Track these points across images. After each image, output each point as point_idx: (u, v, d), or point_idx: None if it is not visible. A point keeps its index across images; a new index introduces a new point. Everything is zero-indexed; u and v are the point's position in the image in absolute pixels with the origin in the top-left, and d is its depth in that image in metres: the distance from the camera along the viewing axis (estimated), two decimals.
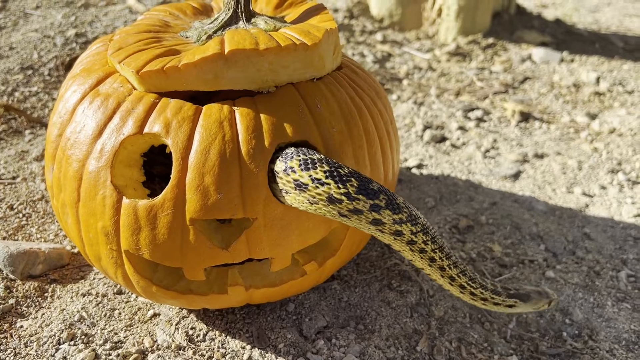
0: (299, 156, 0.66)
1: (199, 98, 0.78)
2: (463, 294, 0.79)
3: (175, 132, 0.68)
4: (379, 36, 2.07)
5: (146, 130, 0.69)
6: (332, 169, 0.64)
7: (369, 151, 0.78)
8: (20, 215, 1.07)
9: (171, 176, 0.67)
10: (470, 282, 0.78)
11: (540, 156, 1.41)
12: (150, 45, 0.75)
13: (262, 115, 0.69)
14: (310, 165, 0.65)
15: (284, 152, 0.68)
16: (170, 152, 0.68)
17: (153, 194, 0.72)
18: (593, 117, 1.64)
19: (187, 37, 0.80)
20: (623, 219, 1.20)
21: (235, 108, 0.69)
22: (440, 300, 0.94)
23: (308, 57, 0.72)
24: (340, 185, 0.63)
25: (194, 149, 0.67)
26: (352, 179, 0.64)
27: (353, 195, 0.63)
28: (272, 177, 0.68)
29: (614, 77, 1.92)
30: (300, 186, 0.65)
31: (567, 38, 2.26)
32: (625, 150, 1.46)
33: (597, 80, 1.87)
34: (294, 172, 0.65)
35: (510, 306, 0.81)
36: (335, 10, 2.18)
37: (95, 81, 0.76)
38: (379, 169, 0.80)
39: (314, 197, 0.65)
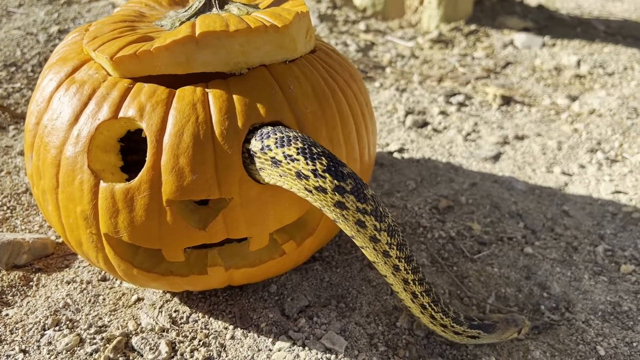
0: (275, 134, 0.67)
1: (174, 84, 0.79)
2: (423, 314, 0.78)
3: (149, 115, 0.69)
4: (362, 25, 2.09)
5: (121, 114, 0.70)
6: (305, 147, 0.66)
7: (344, 131, 0.79)
8: (5, 208, 1.08)
9: (146, 159, 0.69)
10: (432, 304, 0.77)
11: (520, 138, 1.43)
12: (125, 34, 0.76)
13: (235, 97, 0.70)
14: (285, 143, 0.66)
15: (261, 131, 0.69)
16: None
17: (131, 179, 0.74)
18: (574, 99, 1.66)
19: (161, 26, 0.81)
20: (601, 196, 1.22)
21: (208, 90, 0.71)
22: None
23: (279, 39, 0.74)
24: (309, 162, 0.65)
25: (168, 131, 0.69)
26: (323, 157, 0.66)
27: (320, 173, 0.65)
28: (248, 157, 0.70)
29: (595, 59, 1.94)
30: (275, 163, 0.66)
31: (549, 23, 2.28)
32: (604, 130, 1.48)
33: (578, 63, 1.89)
34: (270, 149, 0.67)
35: (473, 337, 0.80)
36: (319, 1, 2.19)
37: (71, 69, 0.77)
38: (354, 149, 0.82)
39: (285, 172, 0.66)
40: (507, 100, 1.61)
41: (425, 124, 1.45)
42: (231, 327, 0.84)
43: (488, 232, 1.08)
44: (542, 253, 1.04)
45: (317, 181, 0.65)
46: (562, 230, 1.10)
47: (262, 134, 0.68)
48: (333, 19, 2.08)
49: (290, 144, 0.66)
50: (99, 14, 1.99)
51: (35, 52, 1.69)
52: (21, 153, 1.25)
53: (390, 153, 1.32)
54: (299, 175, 0.65)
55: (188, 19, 0.78)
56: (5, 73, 1.56)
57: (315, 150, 0.66)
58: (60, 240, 1.01)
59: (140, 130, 0.78)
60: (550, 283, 0.97)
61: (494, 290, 0.95)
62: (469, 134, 1.43)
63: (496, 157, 1.33)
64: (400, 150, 1.33)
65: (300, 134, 0.68)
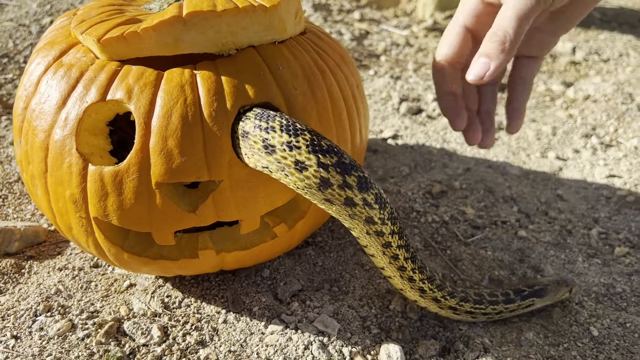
0: (276, 120, 0.65)
1: (163, 66, 0.78)
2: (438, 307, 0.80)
3: (137, 97, 0.69)
4: (356, 14, 2.08)
5: (109, 97, 0.70)
6: (289, 124, 0.64)
7: (334, 113, 0.79)
8: None
9: (135, 141, 0.68)
10: (435, 289, 0.78)
11: None
12: (113, 17, 0.76)
13: (223, 78, 0.70)
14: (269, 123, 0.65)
15: (254, 113, 0.67)
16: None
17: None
18: (569, 85, 1.65)
19: (150, 9, 0.80)
20: (595, 180, 1.22)
21: (196, 72, 0.70)
22: None
23: (268, 20, 0.73)
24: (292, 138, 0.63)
25: (156, 113, 0.68)
26: (306, 132, 0.63)
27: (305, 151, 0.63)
28: (238, 138, 0.69)
29: (590, 46, 1.93)
30: (267, 147, 0.65)
31: None
32: (599, 115, 1.48)
33: (573, 50, 1.89)
34: (261, 131, 0.65)
35: (528, 306, 0.83)
36: None
37: (58, 53, 0.76)
38: (345, 131, 0.81)
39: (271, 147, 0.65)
40: (502, 87, 1.60)
41: (419, 111, 1.45)
42: (224, 311, 0.83)
43: (482, 216, 1.07)
44: (536, 236, 1.04)
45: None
46: (556, 214, 1.10)
47: (253, 116, 0.67)
48: (327, 8, 2.07)
49: (274, 124, 0.64)
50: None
51: (28, 43, 1.68)
52: (13, 143, 1.25)
53: (385, 139, 1.31)
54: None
55: (176, 1, 0.78)
56: None
57: (298, 127, 0.64)
58: (52, 228, 1.01)
59: (130, 114, 0.77)
60: (544, 266, 0.97)
61: (488, 273, 0.95)
62: None
63: None
64: (394, 137, 1.33)
65: (285, 119, 0.66)
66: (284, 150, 0.63)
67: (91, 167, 0.70)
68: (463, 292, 0.80)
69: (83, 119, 0.70)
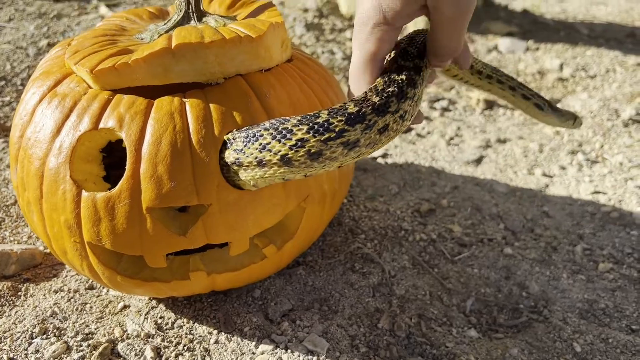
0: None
1: (154, 94, 0.81)
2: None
3: (128, 125, 0.71)
4: (348, 34, 2.12)
5: (101, 125, 0.72)
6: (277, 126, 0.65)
7: None
8: None
9: (126, 167, 0.71)
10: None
11: (502, 141, 1.45)
12: (105, 47, 0.79)
13: (211, 106, 0.73)
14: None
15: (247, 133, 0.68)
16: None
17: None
18: (556, 102, 1.69)
19: (142, 39, 0.83)
20: (581, 197, 1.24)
21: (185, 100, 0.73)
22: (402, 280, 0.97)
23: (254, 49, 0.76)
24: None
25: (147, 141, 0.71)
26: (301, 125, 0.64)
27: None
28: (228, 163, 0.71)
29: (577, 63, 1.97)
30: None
31: (533, 28, 2.31)
32: (585, 132, 1.51)
33: (561, 66, 1.93)
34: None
35: (538, 105, 0.89)
36: (305, 10, 2.22)
37: (53, 83, 0.79)
38: None
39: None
40: (490, 105, 1.63)
41: (409, 130, 1.48)
42: (215, 331, 0.85)
43: (469, 233, 1.10)
44: (522, 253, 1.06)
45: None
46: (541, 231, 1.12)
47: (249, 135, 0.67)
48: (320, 28, 2.11)
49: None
50: (88, 26, 2.02)
51: (25, 65, 1.71)
52: (10, 169, 1.27)
53: (374, 158, 1.34)
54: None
55: (167, 32, 0.81)
56: None
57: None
58: (48, 250, 1.03)
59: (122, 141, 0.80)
60: (529, 282, 0.99)
61: (474, 290, 0.97)
62: (452, 139, 1.45)
63: (478, 161, 1.36)
64: (384, 156, 1.36)
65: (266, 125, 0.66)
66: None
67: (84, 194, 0.72)
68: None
69: (76, 147, 0.73)
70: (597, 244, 1.10)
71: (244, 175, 0.69)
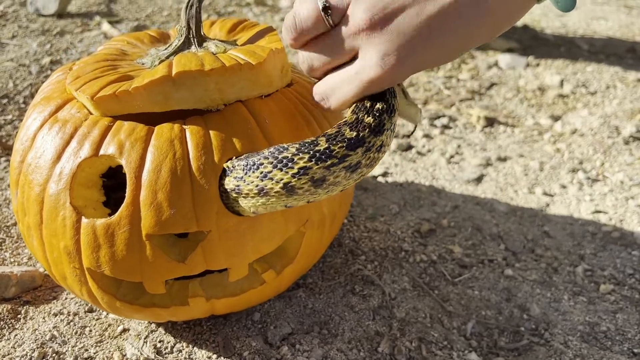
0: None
1: (154, 119, 0.82)
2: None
3: (128, 152, 0.72)
4: None
5: (102, 152, 0.73)
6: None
7: None
8: None
9: (126, 194, 0.71)
10: None
11: (503, 159, 1.45)
12: (106, 73, 0.79)
13: (211, 132, 0.73)
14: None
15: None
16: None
17: (113, 214, 0.76)
18: (556, 119, 1.69)
19: (142, 64, 0.84)
20: (582, 216, 1.24)
21: (185, 127, 0.73)
22: (402, 303, 0.97)
23: (254, 76, 0.76)
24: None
25: (147, 168, 0.71)
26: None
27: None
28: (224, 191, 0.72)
29: (578, 79, 1.97)
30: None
31: (533, 43, 2.32)
32: (586, 149, 1.51)
33: (561, 83, 1.93)
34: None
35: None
36: None
37: (54, 108, 0.80)
38: None
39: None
40: (490, 122, 1.64)
41: (409, 148, 1.48)
42: (214, 356, 0.85)
43: (469, 254, 1.10)
44: (523, 275, 1.06)
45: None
46: (542, 251, 1.12)
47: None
48: None
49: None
50: (90, 43, 2.03)
51: (27, 83, 1.72)
52: (10, 194, 1.27)
53: (374, 177, 1.34)
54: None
55: (167, 57, 0.81)
56: None
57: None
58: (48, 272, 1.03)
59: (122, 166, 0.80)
60: (530, 304, 0.98)
61: (475, 313, 0.96)
62: (452, 157, 1.45)
63: (479, 179, 1.36)
64: (384, 175, 1.36)
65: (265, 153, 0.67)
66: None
67: (84, 220, 0.72)
68: None
69: (77, 173, 0.73)
70: (598, 264, 1.10)
71: (244, 202, 0.69)
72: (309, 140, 0.65)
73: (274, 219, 0.77)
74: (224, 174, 0.71)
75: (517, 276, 1.05)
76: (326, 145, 0.63)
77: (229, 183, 0.69)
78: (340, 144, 0.63)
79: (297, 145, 0.64)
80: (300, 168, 0.63)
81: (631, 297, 1.02)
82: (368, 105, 0.67)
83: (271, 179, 0.64)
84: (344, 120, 0.67)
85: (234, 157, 0.71)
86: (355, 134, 0.64)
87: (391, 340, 0.90)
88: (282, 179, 0.64)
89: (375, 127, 0.65)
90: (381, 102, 0.67)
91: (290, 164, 0.63)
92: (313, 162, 0.63)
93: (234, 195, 0.69)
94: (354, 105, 0.69)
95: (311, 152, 0.63)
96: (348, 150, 0.63)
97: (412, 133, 1.04)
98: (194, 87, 0.73)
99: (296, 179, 0.63)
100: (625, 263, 1.10)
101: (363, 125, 0.65)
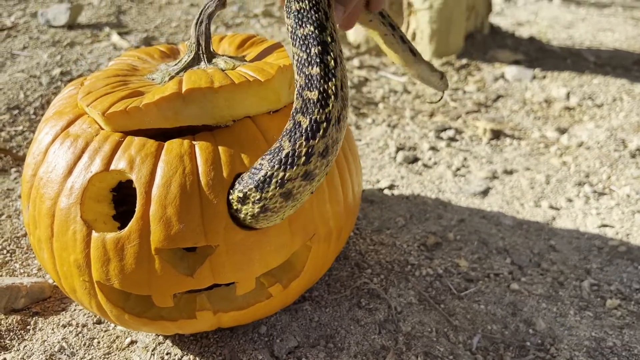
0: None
1: (164, 134, 0.83)
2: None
3: (138, 167, 0.73)
4: (356, 62, 2.14)
5: (112, 167, 0.74)
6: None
7: (326, 177, 0.83)
8: (5, 251, 1.11)
9: (136, 209, 0.72)
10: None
11: (509, 172, 1.46)
12: (117, 89, 0.81)
13: (220, 148, 0.74)
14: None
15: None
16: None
17: (124, 227, 0.77)
18: (563, 131, 1.69)
19: (152, 80, 0.85)
20: (588, 230, 1.24)
21: (195, 142, 0.74)
22: (408, 316, 0.97)
23: (262, 92, 0.78)
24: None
25: (157, 183, 0.72)
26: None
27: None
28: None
29: (584, 91, 1.98)
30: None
31: (539, 55, 2.33)
32: (592, 162, 1.51)
33: (568, 95, 1.93)
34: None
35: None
36: None
37: (66, 123, 0.81)
38: (337, 192, 0.85)
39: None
40: (497, 134, 1.64)
41: (415, 160, 1.49)
42: None
43: (475, 268, 1.10)
44: (528, 289, 1.06)
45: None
46: (548, 266, 1.12)
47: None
48: None
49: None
50: (100, 54, 2.06)
51: (38, 94, 1.74)
52: (22, 206, 1.29)
53: (381, 190, 1.35)
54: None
55: (177, 73, 0.83)
56: (8, 116, 1.61)
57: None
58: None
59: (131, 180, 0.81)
60: (536, 319, 0.98)
61: (481, 327, 0.97)
62: (458, 169, 1.46)
63: (485, 192, 1.36)
64: (391, 187, 1.36)
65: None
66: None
67: (94, 234, 0.73)
68: None
69: (88, 187, 0.74)
70: (605, 279, 1.10)
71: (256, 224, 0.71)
72: (270, 153, 0.65)
73: (281, 234, 0.78)
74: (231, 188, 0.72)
75: (523, 290, 1.05)
76: (288, 150, 0.63)
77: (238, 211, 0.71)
78: (300, 141, 0.63)
79: (267, 162, 0.65)
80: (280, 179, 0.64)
81: (637, 313, 1.02)
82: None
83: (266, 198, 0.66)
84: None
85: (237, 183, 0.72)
86: (309, 122, 0.63)
87: (397, 355, 0.90)
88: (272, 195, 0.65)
89: (321, 100, 0.64)
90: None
91: (268, 181, 0.65)
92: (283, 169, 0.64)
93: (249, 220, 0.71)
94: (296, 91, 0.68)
95: (279, 163, 0.64)
96: (309, 140, 0.63)
97: (438, 100, 1.09)
98: (204, 103, 0.74)
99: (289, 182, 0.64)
100: (632, 278, 1.10)
101: (310, 104, 0.64)
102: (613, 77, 2.12)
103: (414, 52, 0.94)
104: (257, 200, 0.66)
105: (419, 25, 2.15)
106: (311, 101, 0.64)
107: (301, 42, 0.66)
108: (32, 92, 1.76)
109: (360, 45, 2.26)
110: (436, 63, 2.15)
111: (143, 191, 0.72)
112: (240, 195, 0.68)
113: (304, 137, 0.63)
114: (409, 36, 2.18)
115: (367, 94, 1.92)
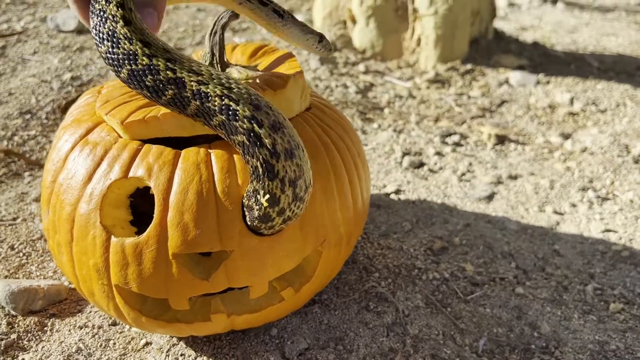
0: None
1: (181, 142, 0.85)
2: None
3: (156, 175, 0.75)
4: (361, 67, 2.17)
5: (131, 174, 0.76)
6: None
7: (337, 183, 0.85)
8: (21, 254, 1.13)
9: (154, 215, 0.74)
10: None
11: (514, 177, 1.48)
12: (134, 97, 0.83)
13: (235, 156, 0.77)
14: None
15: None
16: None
17: (141, 231, 0.79)
18: (566, 137, 1.71)
19: None
20: (592, 235, 1.26)
21: (211, 151, 0.77)
22: (415, 320, 1.00)
23: (276, 101, 0.80)
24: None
25: (174, 190, 0.74)
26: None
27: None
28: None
29: (588, 96, 2.00)
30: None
31: (543, 60, 2.35)
32: (596, 168, 1.53)
33: (571, 100, 1.95)
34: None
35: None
36: None
37: (84, 131, 0.84)
38: (347, 199, 0.87)
39: None
40: (501, 139, 1.67)
41: (421, 165, 1.51)
42: None
43: (481, 272, 1.12)
44: (533, 293, 1.08)
45: None
46: (552, 270, 1.14)
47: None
48: (333, 61, 2.17)
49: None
50: None
51: (50, 99, 1.77)
52: (36, 199, 1.32)
53: (387, 194, 1.37)
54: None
55: None
56: (20, 120, 1.64)
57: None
58: (72, 286, 1.06)
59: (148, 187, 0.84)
60: (541, 323, 1.01)
61: (486, 330, 0.99)
62: (463, 174, 1.48)
63: (490, 197, 1.39)
64: (397, 192, 1.39)
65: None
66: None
67: (113, 239, 0.76)
68: None
69: (107, 194, 0.77)
70: (608, 283, 1.12)
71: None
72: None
73: (293, 239, 0.80)
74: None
75: (527, 294, 1.07)
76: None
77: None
78: (265, 153, 0.66)
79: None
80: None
81: None
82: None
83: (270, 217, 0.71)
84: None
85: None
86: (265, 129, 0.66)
87: (405, 357, 0.92)
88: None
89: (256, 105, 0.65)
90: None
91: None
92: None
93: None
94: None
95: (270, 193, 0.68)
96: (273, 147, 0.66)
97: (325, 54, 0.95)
98: None
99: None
100: (635, 282, 1.12)
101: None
102: (616, 83, 2.14)
103: (279, 14, 0.84)
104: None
105: (424, 31, 2.17)
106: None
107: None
108: (44, 96, 1.78)
109: (366, 50, 2.28)
110: (441, 68, 2.17)
111: (161, 198, 0.75)
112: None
113: (269, 153, 0.66)
114: (413, 42, 2.21)
115: (372, 99, 1.94)
